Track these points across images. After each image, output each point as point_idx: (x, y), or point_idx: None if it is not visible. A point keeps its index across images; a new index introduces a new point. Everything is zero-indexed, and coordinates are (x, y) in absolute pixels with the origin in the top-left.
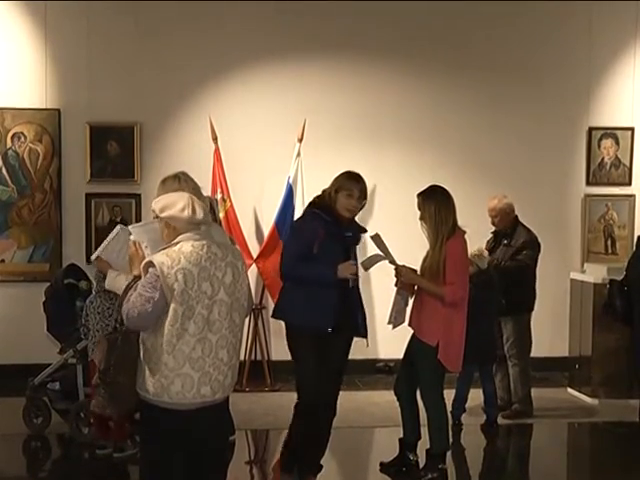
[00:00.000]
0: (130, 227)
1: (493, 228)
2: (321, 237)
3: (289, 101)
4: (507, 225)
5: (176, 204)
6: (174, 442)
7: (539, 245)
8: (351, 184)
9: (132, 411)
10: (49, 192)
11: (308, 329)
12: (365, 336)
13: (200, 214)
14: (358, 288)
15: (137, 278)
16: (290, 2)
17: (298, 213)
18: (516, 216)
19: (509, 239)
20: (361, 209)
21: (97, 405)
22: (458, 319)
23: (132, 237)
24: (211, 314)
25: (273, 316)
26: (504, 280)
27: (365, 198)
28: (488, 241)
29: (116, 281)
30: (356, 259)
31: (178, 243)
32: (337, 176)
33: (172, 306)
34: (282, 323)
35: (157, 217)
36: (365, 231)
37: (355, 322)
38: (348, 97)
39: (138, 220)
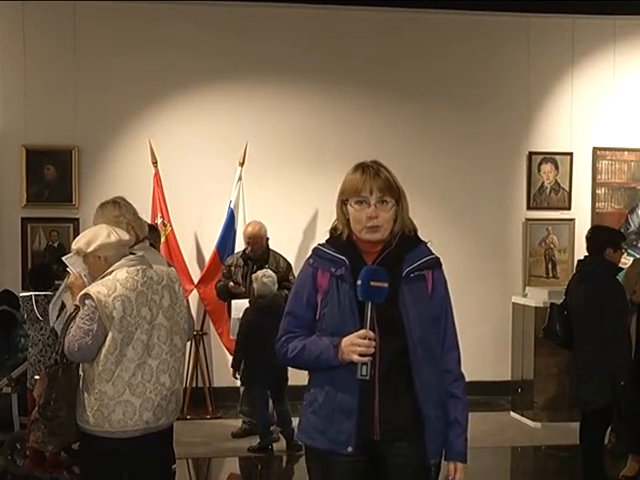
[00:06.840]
0: (64, 258)
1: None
2: (324, 290)
3: (230, 125)
4: (263, 250)
5: (100, 234)
6: (116, 472)
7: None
8: (358, 181)
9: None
10: None
11: (319, 450)
12: (435, 463)
13: (125, 236)
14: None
15: (78, 308)
16: (230, 26)
17: (240, 238)
18: (267, 241)
19: (266, 264)
20: (404, 219)
21: (36, 440)
22: None
23: (70, 266)
24: (150, 339)
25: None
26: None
27: (396, 196)
28: (240, 266)
29: (64, 297)
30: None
31: (112, 272)
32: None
33: (110, 334)
34: (224, 349)
35: (84, 255)
36: (435, 262)
37: (408, 433)
38: (289, 120)
39: None
